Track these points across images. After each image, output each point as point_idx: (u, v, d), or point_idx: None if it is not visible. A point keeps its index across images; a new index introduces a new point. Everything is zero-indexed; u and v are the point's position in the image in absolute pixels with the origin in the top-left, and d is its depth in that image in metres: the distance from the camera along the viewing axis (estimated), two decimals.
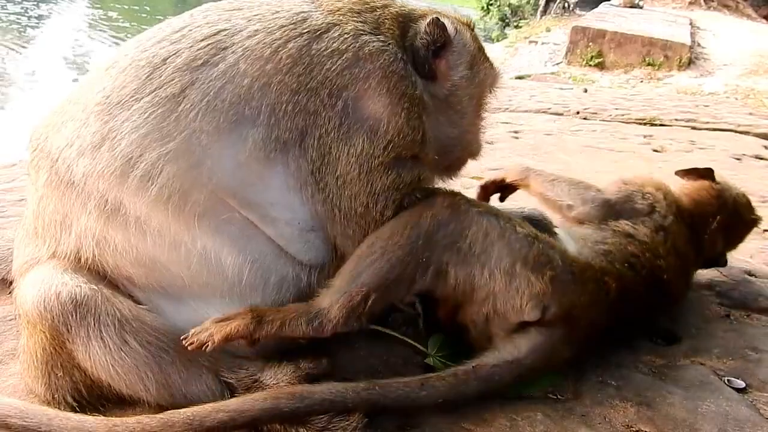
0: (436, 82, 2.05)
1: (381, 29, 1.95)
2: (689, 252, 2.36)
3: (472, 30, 2.22)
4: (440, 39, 2.00)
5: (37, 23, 19.81)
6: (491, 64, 2.23)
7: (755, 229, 2.72)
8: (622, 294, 2.03)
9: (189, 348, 1.72)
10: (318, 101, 1.81)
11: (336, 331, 1.78)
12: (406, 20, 2.03)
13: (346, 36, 1.86)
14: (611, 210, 2.30)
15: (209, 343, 1.70)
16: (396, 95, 1.86)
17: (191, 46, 1.82)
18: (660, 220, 2.28)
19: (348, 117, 1.83)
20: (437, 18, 2.00)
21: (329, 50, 1.83)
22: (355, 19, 1.93)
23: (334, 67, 1.82)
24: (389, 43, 1.92)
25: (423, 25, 2.00)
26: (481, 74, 2.15)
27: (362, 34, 1.88)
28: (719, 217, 2.45)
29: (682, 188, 2.54)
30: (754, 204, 2.69)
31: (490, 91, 2.27)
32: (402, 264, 1.81)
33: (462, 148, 2.22)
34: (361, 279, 1.79)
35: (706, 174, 2.60)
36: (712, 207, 2.49)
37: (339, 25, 1.89)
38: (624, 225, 2.24)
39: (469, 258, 1.87)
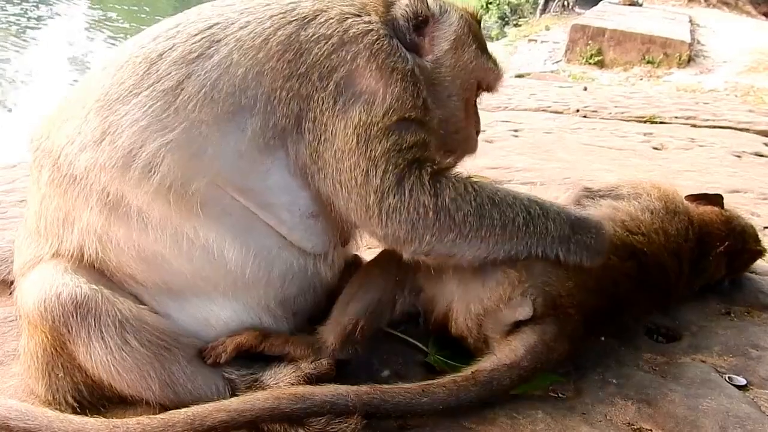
0: (423, 57, 2.04)
1: (366, 10, 1.96)
2: (686, 247, 2.34)
3: (476, 21, 2.20)
4: (421, 12, 2.01)
5: (37, 24, 19.80)
6: (485, 56, 2.18)
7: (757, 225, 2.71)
8: (607, 271, 2.02)
9: (207, 362, 1.88)
10: (310, 85, 1.82)
11: (334, 357, 1.97)
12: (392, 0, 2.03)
13: (331, 21, 1.87)
14: (590, 193, 2.40)
15: (223, 354, 1.90)
16: (387, 69, 1.86)
17: (186, 41, 1.84)
18: (648, 203, 2.29)
19: (341, 95, 1.83)
20: None
21: (316, 36, 1.85)
22: (341, 3, 1.94)
23: (321, 52, 1.83)
24: (373, 22, 1.92)
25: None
26: (466, 57, 2.11)
27: (347, 18, 1.90)
28: (727, 243, 2.45)
29: (693, 209, 2.53)
30: (754, 200, 2.69)
31: (484, 85, 2.22)
32: (379, 289, 2.03)
33: (452, 135, 2.17)
34: (349, 309, 2.00)
35: (715, 200, 2.61)
36: (720, 232, 2.49)
37: (325, 11, 1.91)
38: (604, 206, 2.26)
39: (439, 267, 1.95)
